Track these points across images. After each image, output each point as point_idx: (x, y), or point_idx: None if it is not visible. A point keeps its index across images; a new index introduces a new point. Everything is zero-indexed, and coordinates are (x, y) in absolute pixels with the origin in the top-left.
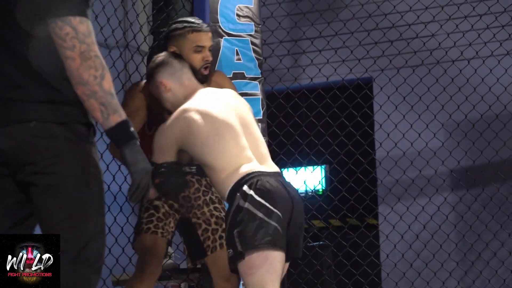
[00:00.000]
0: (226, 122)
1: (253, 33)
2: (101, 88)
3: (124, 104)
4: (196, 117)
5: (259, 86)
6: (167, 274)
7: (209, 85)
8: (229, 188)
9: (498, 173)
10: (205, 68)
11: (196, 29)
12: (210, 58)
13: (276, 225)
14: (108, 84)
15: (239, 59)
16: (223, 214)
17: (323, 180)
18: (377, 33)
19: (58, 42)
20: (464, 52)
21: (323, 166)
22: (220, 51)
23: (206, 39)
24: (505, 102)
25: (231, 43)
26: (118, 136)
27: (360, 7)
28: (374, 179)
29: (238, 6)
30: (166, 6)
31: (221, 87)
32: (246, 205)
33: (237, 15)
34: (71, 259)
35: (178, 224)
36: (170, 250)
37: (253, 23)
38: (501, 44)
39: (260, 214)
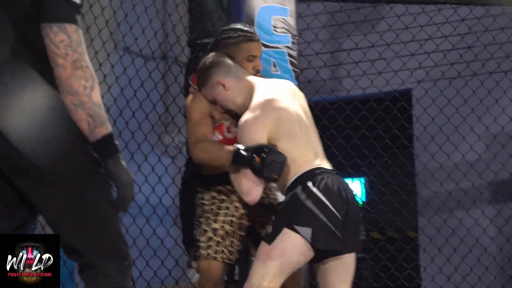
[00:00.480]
0: (300, 116)
1: (290, 44)
2: (90, 99)
3: (191, 114)
4: (284, 107)
5: None
6: None
7: None
8: (292, 179)
9: None
10: (256, 76)
11: (250, 39)
12: (261, 67)
13: (329, 223)
14: (97, 95)
15: (276, 71)
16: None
17: (363, 192)
18: (414, 44)
19: (51, 48)
20: (501, 64)
21: (362, 179)
22: None
23: (258, 49)
24: None
25: (268, 55)
26: (103, 148)
27: (397, 18)
28: (412, 192)
29: (274, 18)
30: (203, 17)
31: None
32: (304, 198)
33: (274, 26)
34: (97, 254)
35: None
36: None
37: (289, 34)
38: None
39: (318, 212)
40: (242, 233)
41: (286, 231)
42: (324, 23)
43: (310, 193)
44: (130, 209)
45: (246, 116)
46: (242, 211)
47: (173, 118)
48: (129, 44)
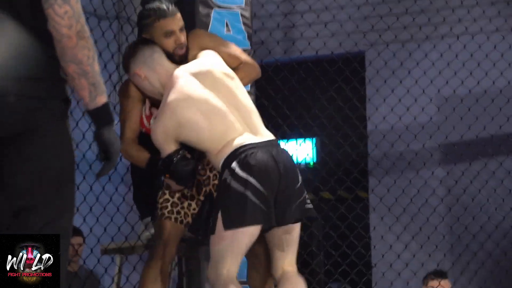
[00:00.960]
0: (210, 103)
1: (243, 5)
2: (92, 69)
3: (122, 103)
4: (185, 110)
5: None
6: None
7: (192, 53)
8: (220, 164)
9: (485, 148)
10: (180, 48)
11: (163, 15)
12: (182, 39)
13: (259, 203)
14: (97, 65)
15: (228, 31)
16: None
17: (314, 152)
18: (368, 7)
19: (55, 19)
20: (454, 28)
21: (313, 139)
22: (210, 22)
23: (174, 23)
24: (493, 78)
25: (221, 15)
26: (102, 116)
27: None
28: (363, 153)
29: None
30: None
31: (203, 47)
32: (232, 182)
33: None
34: (42, 226)
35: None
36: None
37: None
38: (490, 20)
39: (241, 189)
40: (202, 198)
41: (219, 215)
42: None
43: (233, 173)
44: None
45: (154, 123)
46: (205, 176)
47: (121, 78)
48: (84, 4)
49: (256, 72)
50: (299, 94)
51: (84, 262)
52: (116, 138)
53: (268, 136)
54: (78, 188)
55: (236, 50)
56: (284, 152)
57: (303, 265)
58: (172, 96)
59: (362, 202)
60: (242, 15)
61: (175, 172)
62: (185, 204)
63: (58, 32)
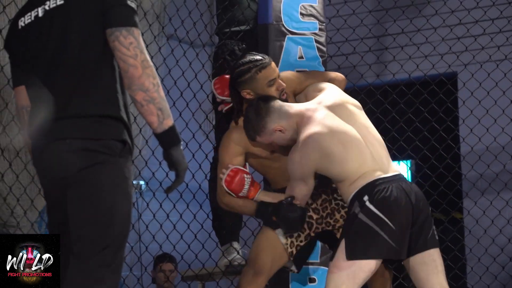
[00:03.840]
0: (350, 135)
1: (317, 31)
2: (159, 95)
3: (222, 158)
4: (328, 140)
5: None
6: (234, 269)
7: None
8: (351, 196)
9: None
10: (283, 93)
11: (263, 66)
12: (284, 85)
13: (386, 237)
14: (162, 91)
15: (302, 57)
16: None
17: (409, 174)
18: (460, 28)
19: (122, 50)
20: None
21: (408, 161)
22: (283, 49)
23: (274, 71)
24: None
25: (295, 42)
26: (170, 138)
27: (443, 3)
28: (458, 174)
29: (302, 5)
30: (232, 6)
31: (297, 87)
32: (360, 214)
33: (301, 13)
34: (89, 258)
35: (317, 237)
36: (237, 246)
37: (317, 21)
38: None
39: (372, 224)
40: (310, 233)
41: (343, 245)
42: (370, 9)
43: (363, 207)
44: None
45: (293, 154)
46: (319, 215)
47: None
48: (172, 32)
49: (344, 84)
50: (393, 117)
51: None
52: (184, 157)
53: (396, 170)
54: (154, 216)
55: (327, 74)
56: (413, 184)
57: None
58: (312, 129)
59: (458, 224)
60: (316, 41)
61: (283, 219)
62: (296, 234)
63: (126, 63)
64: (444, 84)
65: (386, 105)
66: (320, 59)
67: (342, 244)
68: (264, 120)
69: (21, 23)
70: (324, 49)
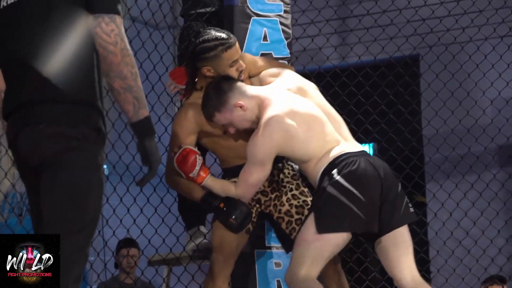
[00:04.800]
0: (311, 113)
1: (282, 13)
2: (136, 84)
3: (175, 133)
4: (290, 121)
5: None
6: (201, 254)
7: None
8: (320, 173)
9: None
10: (241, 74)
11: (229, 46)
12: (243, 66)
13: (356, 209)
14: (140, 81)
15: (266, 40)
16: (302, 200)
17: None
18: (425, 9)
19: (102, 36)
20: None
21: (371, 144)
22: (248, 31)
23: (237, 52)
24: None
25: (260, 24)
26: (144, 128)
27: None
28: (422, 157)
29: None
30: None
31: (255, 69)
32: (329, 187)
33: None
34: (63, 241)
35: (261, 217)
36: (204, 230)
37: (282, 3)
38: None
39: (341, 197)
40: (257, 209)
41: (311, 218)
42: None
43: (332, 180)
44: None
45: (255, 136)
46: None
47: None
48: (135, 15)
49: None
50: (357, 100)
51: (143, 273)
52: (157, 148)
53: (359, 146)
54: (121, 200)
55: (280, 62)
56: (380, 159)
57: (362, 272)
58: (274, 110)
59: (424, 207)
60: (281, 23)
61: (227, 219)
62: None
63: (105, 49)
64: (406, 67)
65: (351, 87)
66: (285, 42)
67: (311, 218)
68: (227, 95)
69: (3, 3)
70: (290, 31)
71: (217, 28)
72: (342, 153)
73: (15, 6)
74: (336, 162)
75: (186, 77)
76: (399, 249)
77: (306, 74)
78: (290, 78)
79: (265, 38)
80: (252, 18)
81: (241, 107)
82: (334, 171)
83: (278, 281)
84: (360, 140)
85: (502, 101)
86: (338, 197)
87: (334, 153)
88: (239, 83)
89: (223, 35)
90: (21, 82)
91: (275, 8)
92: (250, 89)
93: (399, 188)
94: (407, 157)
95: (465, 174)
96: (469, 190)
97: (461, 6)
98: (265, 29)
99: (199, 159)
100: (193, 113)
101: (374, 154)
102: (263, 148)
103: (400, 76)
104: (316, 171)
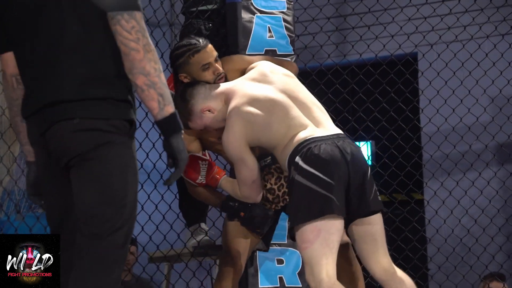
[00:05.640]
0: (271, 98)
1: (285, 10)
2: (160, 80)
3: None
4: (248, 108)
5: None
6: (202, 250)
7: (232, 76)
8: (286, 160)
9: None
10: (220, 78)
11: (196, 50)
12: (221, 69)
13: (326, 193)
14: (163, 77)
15: (271, 36)
16: None
17: (370, 155)
18: (426, 8)
19: (123, 34)
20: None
21: (369, 142)
22: (253, 28)
23: (208, 56)
24: None
25: (264, 20)
26: (170, 125)
27: None
28: (422, 155)
29: None
30: None
31: (241, 68)
32: (296, 176)
33: None
34: (104, 239)
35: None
36: (205, 226)
37: (285, 0)
38: None
39: (309, 184)
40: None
41: None
42: None
43: (297, 167)
44: None
45: (223, 136)
46: (272, 196)
47: None
48: None
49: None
50: (357, 97)
51: (144, 270)
52: (184, 145)
53: (334, 130)
54: None
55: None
56: (352, 143)
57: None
58: (233, 103)
59: (423, 205)
60: (284, 20)
61: (250, 219)
62: None
63: (127, 46)
64: (405, 65)
65: (352, 85)
66: (288, 39)
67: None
68: (190, 103)
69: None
70: (292, 28)
71: (191, 36)
72: (308, 137)
73: (32, 8)
74: (299, 148)
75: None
76: (370, 241)
77: (307, 72)
78: (260, 67)
79: (270, 35)
80: (256, 15)
81: (209, 110)
82: (297, 158)
83: (281, 278)
84: (360, 138)
85: (503, 99)
86: (306, 184)
87: (299, 138)
88: (202, 87)
89: (193, 41)
90: (45, 83)
91: (278, 5)
92: (214, 88)
93: (368, 174)
94: (407, 154)
95: (466, 172)
96: (470, 188)
97: (462, 4)
98: (268, 25)
99: (202, 164)
100: (191, 130)
101: (373, 151)
102: (232, 143)
103: (400, 74)
104: (283, 157)
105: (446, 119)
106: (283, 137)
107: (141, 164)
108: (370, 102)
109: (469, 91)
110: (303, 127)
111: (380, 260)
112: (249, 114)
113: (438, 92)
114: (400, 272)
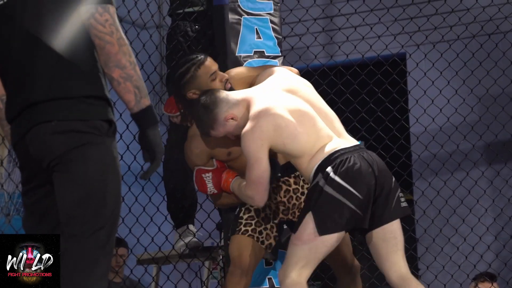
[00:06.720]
0: (301, 109)
1: (272, 11)
2: (136, 73)
3: (195, 164)
4: (281, 113)
5: (278, 65)
6: (190, 252)
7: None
8: (313, 170)
9: None
10: (227, 83)
11: (200, 63)
12: (226, 76)
13: (352, 206)
14: (139, 70)
15: (259, 38)
16: None
17: None
18: (413, 8)
19: (97, 27)
20: (500, 25)
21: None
22: (241, 30)
23: (212, 64)
24: None
25: (251, 22)
26: (147, 117)
27: None
28: (410, 155)
29: None
30: None
31: (247, 79)
32: (326, 187)
33: None
34: (84, 239)
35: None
36: (193, 228)
37: (272, 1)
38: None
39: (340, 197)
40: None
41: (308, 218)
42: None
43: (328, 179)
44: None
45: (245, 130)
46: (282, 207)
47: (164, 87)
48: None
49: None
50: (345, 98)
51: (132, 272)
52: (161, 138)
53: (353, 141)
54: None
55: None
56: (374, 154)
57: None
58: (263, 104)
59: (411, 204)
60: (271, 21)
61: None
62: (268, 226)
63: (102, 40)
64: (392, 66)
65: (339, 85)
66: (276, 40)
67: (308, 217)
68: (214, 112)
69: None
70: (279, 29)
71: (189, 53)
72: (336, 149)
73: (4, 7)
74: (331, 159)
75: (176, 105)
76: (388, 245)
77: None
78: (281, 75)
79: (258, 37)
80: (243, 16)
81: (232, 118)
82: (329, 169)
83: (270, 280)
84: None
85: (490, 98)
86: (336, 196)
87: (328, 149)
88: (222, 94)
89: (193, 56)
90: (23, 84)
91: (265, 6)
92: (235, 95)
93: (393, 182)
94: (395, 155)
95: (454, 172)
96: (458, 187)
97: (448, 4)
98: (256, 27)
99: (206, 176)
100: (196, 143)
101: None
102: (255, 140)
103: (388, 74)
104: (309, 168)
105: (433, 119)
106: (312, 147)
107: (129, 167)
108: (358, 102)
109: (456, 91)
110: (329, 138)
111: (398, 263)
112: (281, 118)
113: (425, 92)
114: (416, 282)
